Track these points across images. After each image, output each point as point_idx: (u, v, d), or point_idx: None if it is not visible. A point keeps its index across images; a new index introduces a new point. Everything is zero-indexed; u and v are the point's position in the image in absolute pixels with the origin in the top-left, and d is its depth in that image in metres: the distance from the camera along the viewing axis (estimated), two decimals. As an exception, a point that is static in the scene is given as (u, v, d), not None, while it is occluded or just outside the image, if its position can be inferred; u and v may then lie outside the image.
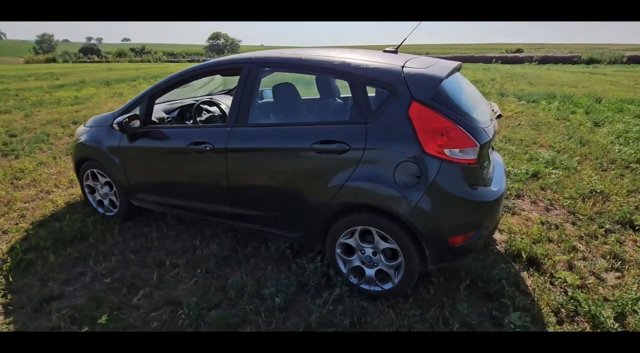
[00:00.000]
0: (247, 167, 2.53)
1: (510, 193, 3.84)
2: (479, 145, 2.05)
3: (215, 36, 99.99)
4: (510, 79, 14.60)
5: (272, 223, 2.61)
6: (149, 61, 43.55)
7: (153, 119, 3.08)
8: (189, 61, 41.21)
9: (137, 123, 2.88)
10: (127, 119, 2.82)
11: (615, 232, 3.13)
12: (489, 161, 2.32)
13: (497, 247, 2.95)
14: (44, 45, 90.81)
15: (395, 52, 2.66)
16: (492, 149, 2.81)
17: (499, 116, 2.75)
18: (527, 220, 3.37)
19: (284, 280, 2.45)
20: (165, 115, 3.48)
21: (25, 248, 2.97)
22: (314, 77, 3.19)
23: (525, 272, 2.63)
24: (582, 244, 2.97)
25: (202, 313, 2.25)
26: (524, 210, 3.55)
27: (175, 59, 49.29)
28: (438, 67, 2.31)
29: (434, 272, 2.55)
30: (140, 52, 61.06)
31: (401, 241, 2.17)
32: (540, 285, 2.48)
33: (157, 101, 3.08)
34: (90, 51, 64.65)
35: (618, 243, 2.95)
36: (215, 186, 2.67)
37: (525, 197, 3.82)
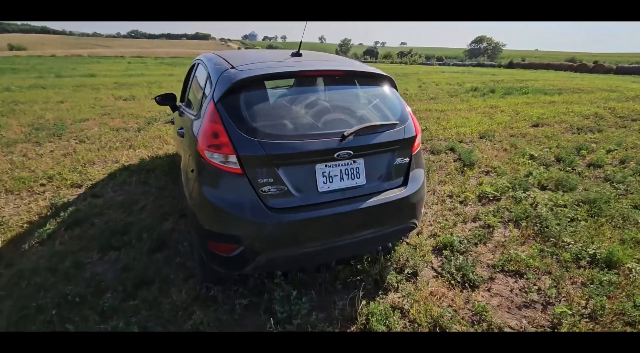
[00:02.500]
0: None
1: None
2: (237, 154, 1.94)
3: (479, 40, 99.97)
4: None
5: None
6: (405, 63, 51.23)
7: None
8: (439, 63, 46.66)
9: None
10: None
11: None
12: (275, 179, 1.99)
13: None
14: (343, 48, 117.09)
15: (299, 54, 2.60)
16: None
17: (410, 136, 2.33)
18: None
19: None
20: None
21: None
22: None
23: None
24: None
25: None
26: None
27: (427, 62, 55.66)
28: (260, 70, 2.16)
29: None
30: (404, 55, 70.92)
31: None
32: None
33: None
34: (370, 53, 79.75)
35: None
36: None
37: None
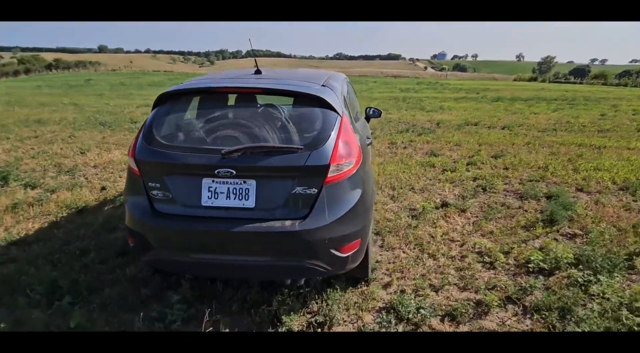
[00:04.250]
0: None
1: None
2: (134, 158, 2.12)
3: None
4: None
5: None
6: (625, 85, 40.51)
7: None
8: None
9: None
10: None
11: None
12: (162, 185, 2.09)
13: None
14: (543, 66, 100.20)
15: (259, 72, 2.55)
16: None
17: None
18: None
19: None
20: None
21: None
22: None
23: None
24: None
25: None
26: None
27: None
28: (185, 85, 2.29)
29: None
30: (628, 74, 55.80)
31: None
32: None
33: None
34: (577, 72, 65.77)
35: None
36: None
37: None
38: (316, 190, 2.06)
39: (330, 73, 2.97)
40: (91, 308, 2.35)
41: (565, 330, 2.13)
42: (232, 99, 2.53)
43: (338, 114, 2.23)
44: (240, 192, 2.06)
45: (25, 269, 2.75)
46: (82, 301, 2.41)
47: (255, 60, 2.76)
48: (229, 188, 2.07)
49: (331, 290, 2.47)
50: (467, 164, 5.66)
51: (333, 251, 2.11)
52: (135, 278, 2.64)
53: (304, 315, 2.31)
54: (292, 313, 2.27)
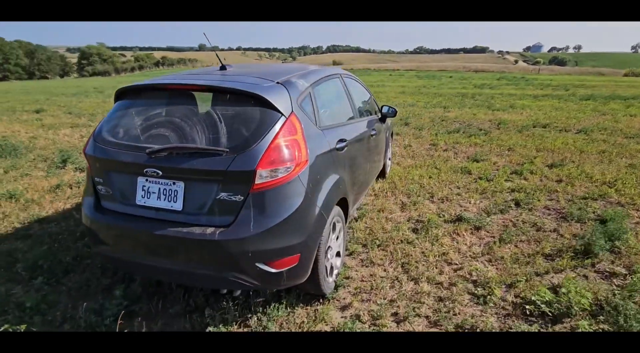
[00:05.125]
0: None
1: None
2: (85, 152, 2.16)
3: None
4: None
5: None
6: None
7: None
8: None
9: None
10: None
11: None
12: (105, 181, 2.09)
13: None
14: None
15: (224, 68, 2.48)
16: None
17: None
18: None
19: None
20: None
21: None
22: None
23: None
24: None
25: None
26: None
27: None
28: (140, 82, 2.25)
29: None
30: None
31: None
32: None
33: None
34: None
35: None
36: None
37: None
38: (242, 198, 1.87)
39: (312, 69, 2.69)
40: (59, 291, 2.49)
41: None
42: (179, 97, 2.39)
43: (282, 114, 1.99)
44: (170, 193, 1.96)
45: (29, 246, 3.04)
46: (55, 282, 2.57)
47: (217, 54, 2.63)
48: (160, 188, 1.98)
49: (276, 305, 2.26)
50: (511, 173, 4.86)
51: (260, 265, 1.90)
52: (106, 266, 2.74)
53: (237, 328, 2.14)
54: (225, 324, 2.13)
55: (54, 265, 2.72)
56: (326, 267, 2.33)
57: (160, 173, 1.92)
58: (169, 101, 2.20)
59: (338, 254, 2.61)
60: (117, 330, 2.05)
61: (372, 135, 3.42)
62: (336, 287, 2.49)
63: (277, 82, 2.16)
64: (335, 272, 2.54)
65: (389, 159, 4.96)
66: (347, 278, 2.63)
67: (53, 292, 2.46)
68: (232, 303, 2.25)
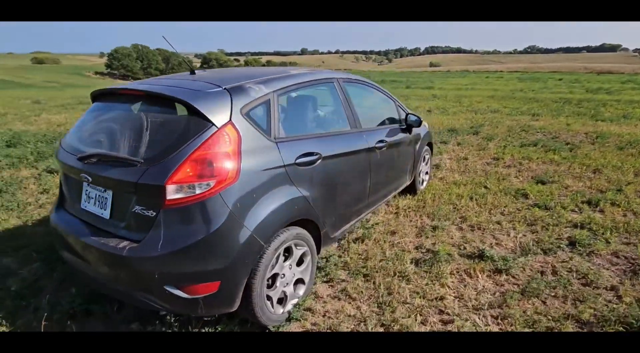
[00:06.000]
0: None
1: None
2: (56, 155, 2.20)
3: None
4: None
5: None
6: None
7: None
8: None
9: None
10: None
11: None
12: (64, 183, 2.19)
13: None
14: None
15: (194, 73, 2.31)
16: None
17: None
18: None
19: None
20: None
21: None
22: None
23: None
24: None
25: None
26: None
27: None
28: (110, 87, 2.21)
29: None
30: None
31: None
32: None
33: None
34: None
35: None
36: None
37: None
38: (154, 213, 1.72)
39: (287, 74, 2.36)
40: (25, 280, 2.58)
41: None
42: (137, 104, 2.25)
43: (212, 124, 1.78)
44: (101, 200, 1.93)
45: (22, 241, 3.10)
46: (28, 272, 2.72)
47: (184, 59, 2.51)
48: (96, 194, 1.96)
49: (209, 329, 2.06)
50: (583, 202, 3.81)
51: (170, 289, 1.73)
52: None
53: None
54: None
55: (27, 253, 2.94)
56: (270, 297, 2.06)
57: (90, 179, 1.90)
58: (117, 106, 2.18)
59: (301, 281, 2.30)
60: (41, 330, 2.04)
61: (382, 148, 2.97)
62: (290, 319, 2.18)
63: (224, 88, 1.95)
64: (293, 301, 2.24)
65: (426, 174, 4.35)
66: (309, 310, 2.29)
67: (20, 279, 2.54)
68: (173, 319, 2.12)
